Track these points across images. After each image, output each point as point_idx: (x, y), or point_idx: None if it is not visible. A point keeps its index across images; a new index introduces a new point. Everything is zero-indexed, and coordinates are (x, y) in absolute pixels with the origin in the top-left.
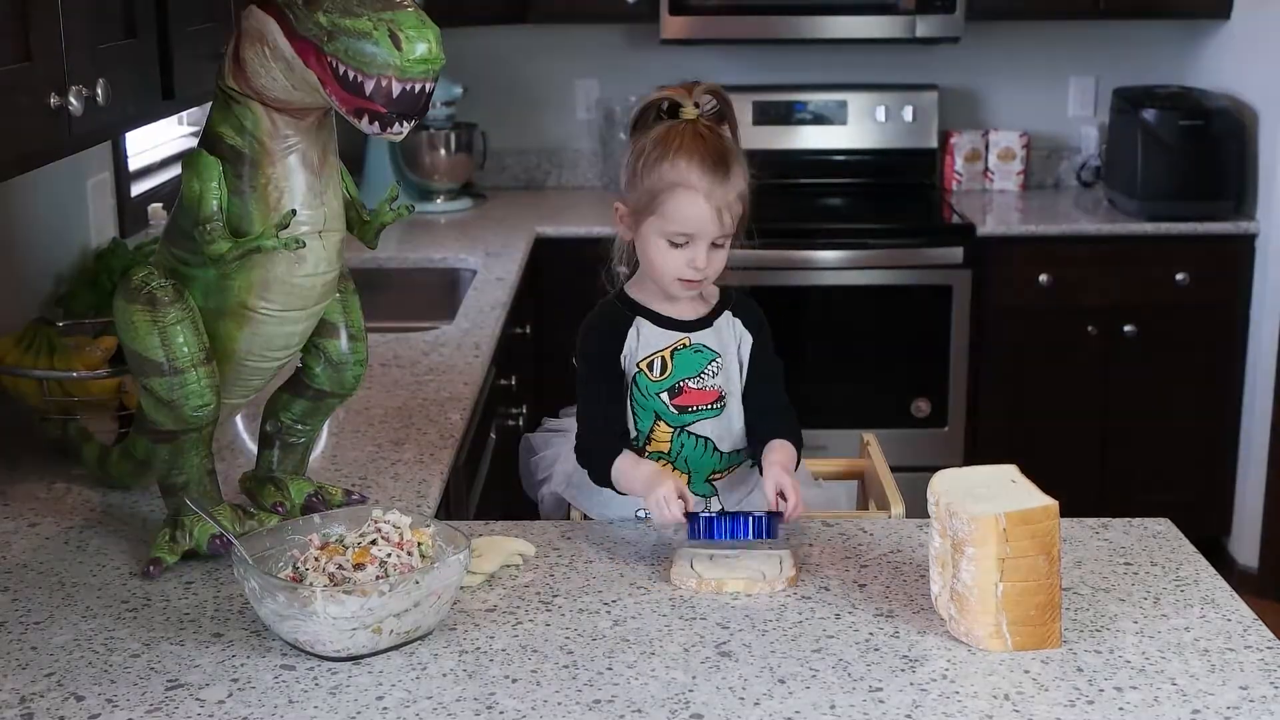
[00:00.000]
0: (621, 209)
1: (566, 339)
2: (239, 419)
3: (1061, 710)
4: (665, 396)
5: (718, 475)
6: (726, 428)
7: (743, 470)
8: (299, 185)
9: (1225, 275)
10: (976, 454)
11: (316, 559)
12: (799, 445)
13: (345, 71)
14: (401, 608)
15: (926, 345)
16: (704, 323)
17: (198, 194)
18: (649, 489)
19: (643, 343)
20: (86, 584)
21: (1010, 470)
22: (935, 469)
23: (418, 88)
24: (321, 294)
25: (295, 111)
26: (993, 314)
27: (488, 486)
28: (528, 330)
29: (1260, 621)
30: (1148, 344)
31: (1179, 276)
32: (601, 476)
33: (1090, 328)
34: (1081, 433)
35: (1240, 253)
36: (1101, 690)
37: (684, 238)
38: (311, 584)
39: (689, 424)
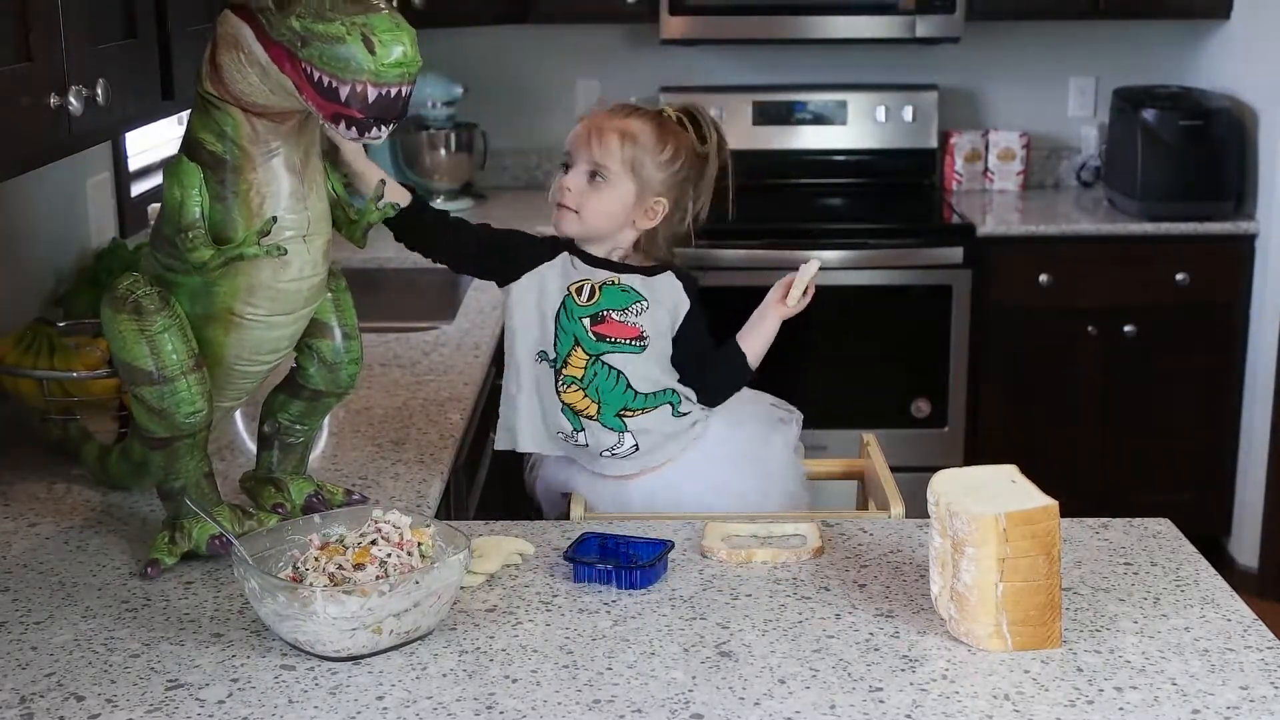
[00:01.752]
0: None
1: None
2: (238, 418)
3: (1061, 710)
4: (587, 322)
5: (629, 413)
6: (644, 370)
7: (661, 416)
8: (282, 190)
9: (1225, 275)
10: (976, 454)
11: (316, 559)
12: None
13: (320, 77)
14: (401, 608)
15: (926, 345)
16: (636, 270)
17: (179, 201)
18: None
19: (571, 273)
20: (86, 584)
21: (1010, 470)
22: (935, 469)
23: (394, 92)
24: (308, 298)
25: (275, 116)
26: (993, 314)
27: (488, 486)
28: None
29: (1260, 621)
30: (1148, 344)
31: (1179, 276)
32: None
33: (1090, 328)
34: (1081, 433)
35: (1240, 253)
36: (1101, 690)
37: (566, 157)
38: (311, 584)
39: (604, 353)
